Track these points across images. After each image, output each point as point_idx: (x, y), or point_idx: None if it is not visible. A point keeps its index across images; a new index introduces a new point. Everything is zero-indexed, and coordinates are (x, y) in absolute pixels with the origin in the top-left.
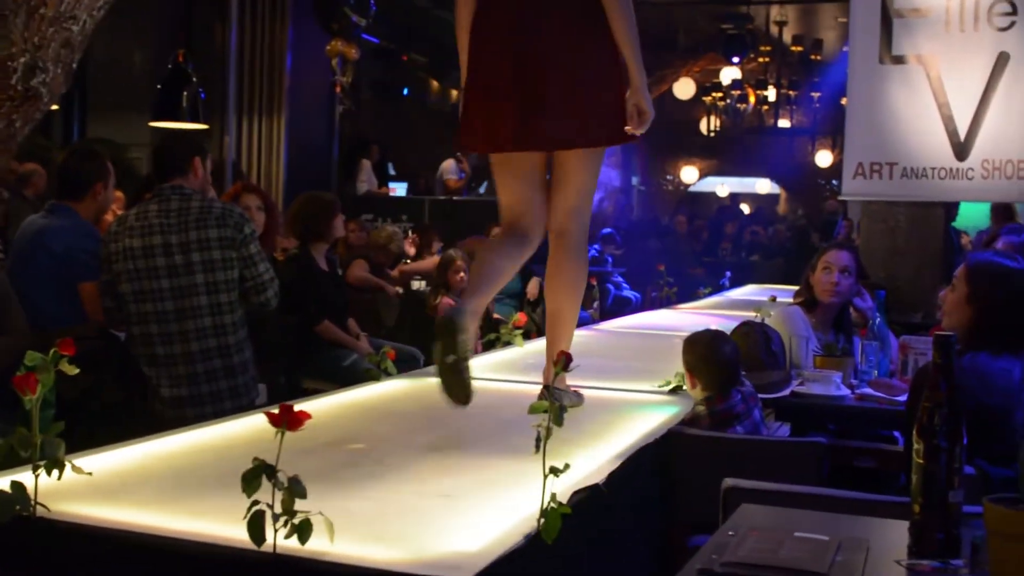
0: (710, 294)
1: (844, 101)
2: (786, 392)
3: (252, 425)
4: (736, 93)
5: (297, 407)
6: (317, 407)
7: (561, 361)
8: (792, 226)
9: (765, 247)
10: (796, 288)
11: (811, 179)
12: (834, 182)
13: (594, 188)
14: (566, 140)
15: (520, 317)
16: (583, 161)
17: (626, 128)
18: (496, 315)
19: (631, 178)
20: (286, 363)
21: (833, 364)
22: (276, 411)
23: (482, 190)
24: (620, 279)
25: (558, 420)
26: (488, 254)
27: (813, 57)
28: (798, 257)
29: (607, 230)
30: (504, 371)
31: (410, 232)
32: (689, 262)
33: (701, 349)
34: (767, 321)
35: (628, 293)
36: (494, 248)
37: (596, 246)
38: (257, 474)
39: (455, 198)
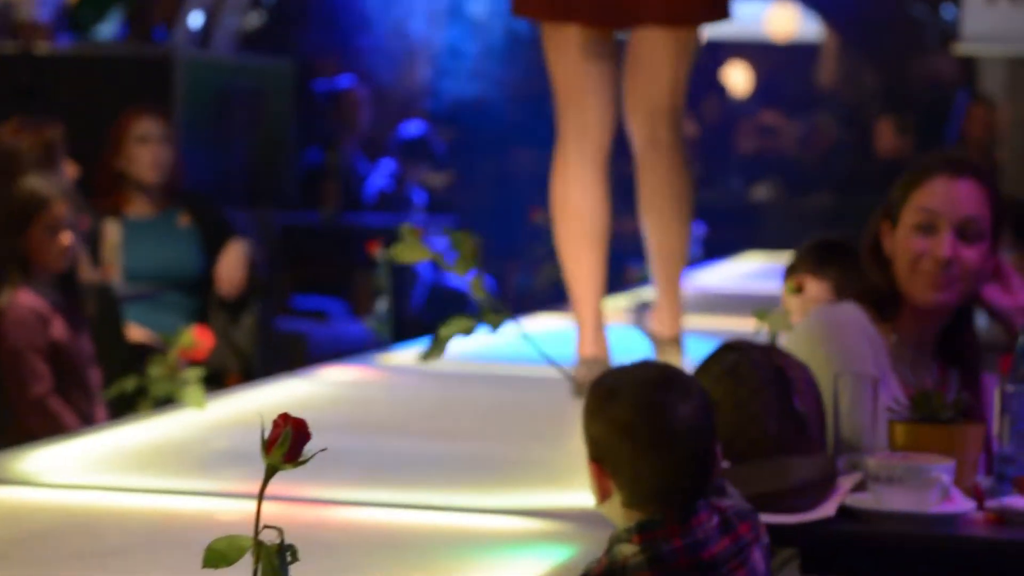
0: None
1: None
2: (827, 508)
3: None
4: None
5: None
6: None
7: (281, 438)
8: (851, 114)
9: (787, 164)
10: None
11: (890, 4)
12: (947, 13)
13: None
14: (661, 16)
15: (198, 336)
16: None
17: None
18: (134, 332)
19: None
20: None
21: (935, 440)
22: None
23: (111, 35)
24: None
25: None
26: (576, 219)
27: None
28: (860, 189)
29: (414, 129)
30: (162, 470)
31: None
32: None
33: (625, 411)
34: (783, 342)
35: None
36: (581, 197)
37: (390, 164)
38: None
39: (37, 52)
